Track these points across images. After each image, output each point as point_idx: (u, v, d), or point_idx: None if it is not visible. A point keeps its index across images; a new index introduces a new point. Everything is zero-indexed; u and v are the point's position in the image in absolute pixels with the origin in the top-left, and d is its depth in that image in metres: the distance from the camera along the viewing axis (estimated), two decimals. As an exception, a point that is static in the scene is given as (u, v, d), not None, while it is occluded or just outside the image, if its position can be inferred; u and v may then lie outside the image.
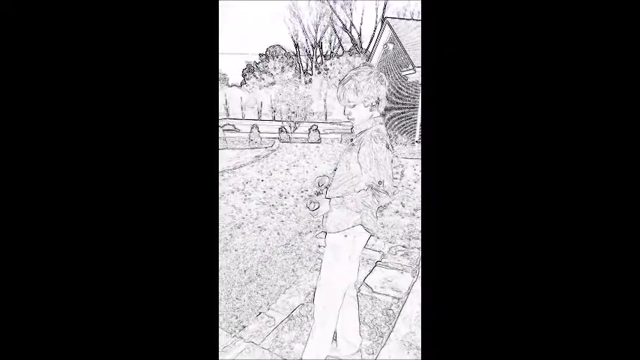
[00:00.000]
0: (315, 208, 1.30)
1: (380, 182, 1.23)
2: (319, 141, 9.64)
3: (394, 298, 1.96)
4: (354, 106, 1.32)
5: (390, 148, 1.28)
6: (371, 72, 1.30)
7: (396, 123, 9.60)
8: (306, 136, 10.07)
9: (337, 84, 1.35)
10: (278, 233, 3.07)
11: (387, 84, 1.34)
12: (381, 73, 1.33)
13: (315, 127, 9.93)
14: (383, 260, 2.41)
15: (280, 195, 4.31)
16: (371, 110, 1.33)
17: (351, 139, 1.36)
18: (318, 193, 1.40)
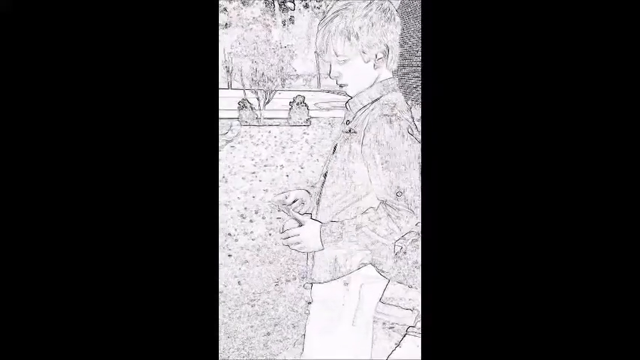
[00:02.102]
0: (298, 225, 1.32)
1: (399, 193, 1.22)
2: (308, 122, 9.71)
3: (437, 387, 1.97)
4: (346, 61, 1.31)
5: (414, 131, 1.28)
6: (370, 2, 1.29)
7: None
8: (285, 114, 10.14)
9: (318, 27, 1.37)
10: (239, 282, 3.08)
11: (400, 21, 1.31)
12: (387, 3, 1.31)
13: (300, 100, 10.01)
14: (418, 325, 2.42)
15: (242, 216, 4.33)
16: (376, 68, 1.32)
17: (347, 122, 1.34)
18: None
